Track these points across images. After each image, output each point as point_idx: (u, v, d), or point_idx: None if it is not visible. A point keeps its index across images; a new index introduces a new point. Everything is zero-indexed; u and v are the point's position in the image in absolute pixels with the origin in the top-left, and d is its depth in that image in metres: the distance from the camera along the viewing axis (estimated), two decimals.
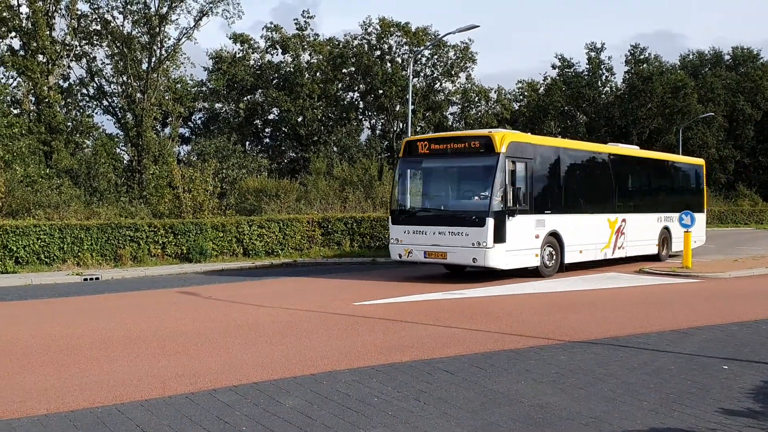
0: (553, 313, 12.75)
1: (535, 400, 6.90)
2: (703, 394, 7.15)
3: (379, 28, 49.46)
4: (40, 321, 12.08)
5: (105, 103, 42.01)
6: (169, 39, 39.42)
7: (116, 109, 41.34)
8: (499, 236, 16.40)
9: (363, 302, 13.67)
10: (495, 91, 54.97)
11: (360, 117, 52.50)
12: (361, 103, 52.74)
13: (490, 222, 16.28)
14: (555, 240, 18.26)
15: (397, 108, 49.82)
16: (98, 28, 39.04)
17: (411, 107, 32.14)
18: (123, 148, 42.60)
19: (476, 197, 17.32)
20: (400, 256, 17.83)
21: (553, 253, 18.20)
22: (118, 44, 38.36)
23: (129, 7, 38.20)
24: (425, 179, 18.78)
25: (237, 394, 7.04)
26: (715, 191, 56.12)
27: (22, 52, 35.90)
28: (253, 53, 50.36)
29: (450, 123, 53.06)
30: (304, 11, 57.97)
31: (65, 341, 9.99)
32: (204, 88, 49.22)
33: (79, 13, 38.36)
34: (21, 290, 16.08)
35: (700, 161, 27.23)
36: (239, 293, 15.41)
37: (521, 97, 60.06)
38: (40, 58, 35.86)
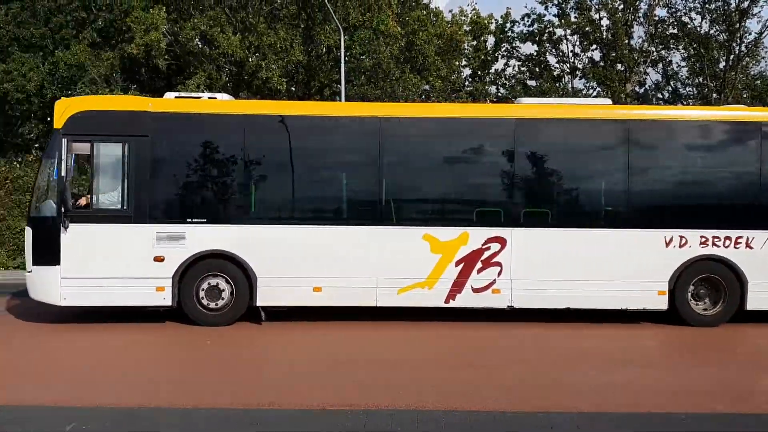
0: None
1: None
2: None
3: None
4: None
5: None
6: (750, 34, 37.38)
7: None
8: (45, 255, 11.67)
9: None
10: None
11: None
12: None
13: (28, 233, 12.00)
14: (234, 267, 12.06)
15: None
16: (674, 31, 39.23)
17: None
18: None
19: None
20: None
21: (224, 289, 12.13)
22: (695, 45, 38.03)
23: (707, 6, 37.54)
24: None
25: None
26: None
27: (601, 63, 38.64)
28: None
29: None
30: None
31: None
32: None
33: (656, 18, 39.23)
34: None
35: None
36: None
37: None
38: (618, 66, 38.05)
